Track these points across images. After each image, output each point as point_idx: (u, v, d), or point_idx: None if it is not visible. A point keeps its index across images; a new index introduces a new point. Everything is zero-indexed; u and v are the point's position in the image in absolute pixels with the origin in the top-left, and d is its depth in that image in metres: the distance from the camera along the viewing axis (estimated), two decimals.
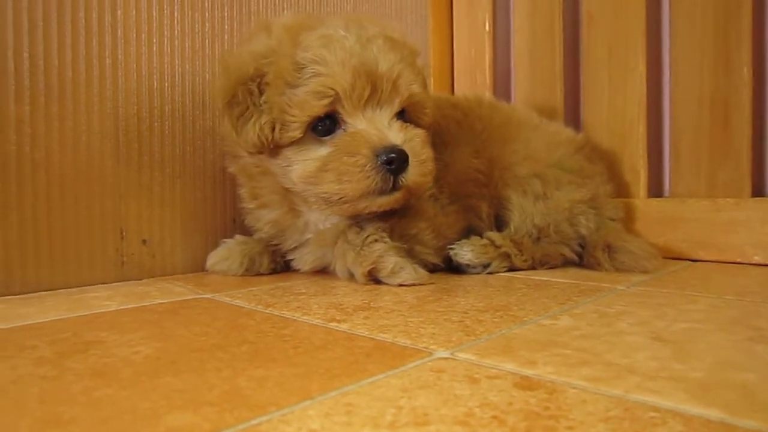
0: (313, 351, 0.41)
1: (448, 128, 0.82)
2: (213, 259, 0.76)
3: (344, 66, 0.63)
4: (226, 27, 0.84)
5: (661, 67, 0.95)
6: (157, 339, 0.45)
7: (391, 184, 0.63)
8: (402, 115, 0.69)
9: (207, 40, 0.82)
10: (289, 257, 0.76)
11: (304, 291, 0.64)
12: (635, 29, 0.90)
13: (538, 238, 0.78)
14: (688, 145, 0.87)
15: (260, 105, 0.64)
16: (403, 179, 0.64)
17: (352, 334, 0.46)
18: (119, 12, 0.73)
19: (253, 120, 0.65)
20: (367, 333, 0.46)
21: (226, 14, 0.84)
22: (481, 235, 0.77)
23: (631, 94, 0.91)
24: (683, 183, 0.88)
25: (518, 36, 1.05)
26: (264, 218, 0.76)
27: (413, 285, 0.65)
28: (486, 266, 0.74)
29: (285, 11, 0.91)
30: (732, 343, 0.41)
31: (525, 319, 0.49)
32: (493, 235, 0.76)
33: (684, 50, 0.87)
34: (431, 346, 0.42)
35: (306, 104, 0.63)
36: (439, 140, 0.80)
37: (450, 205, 0.77)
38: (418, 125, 0.70)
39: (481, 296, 0.59)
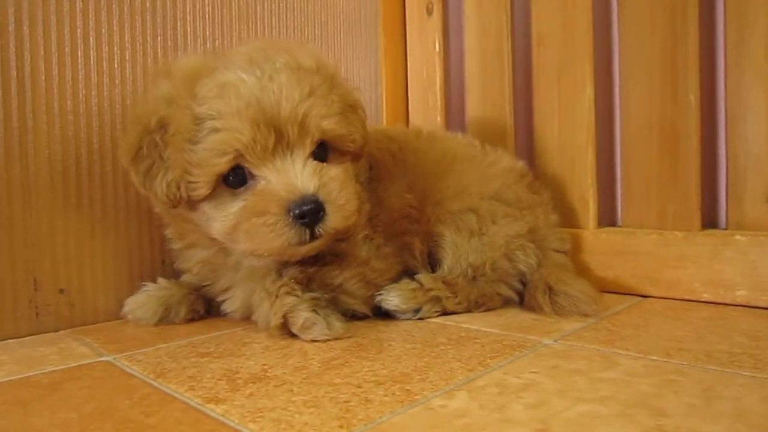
0: None
1: (384, 162, 0.78)
2: (129, 306, 0.72)
3: (242, 118, 0.58)
4: (150, 60, 0.80)
5: (613, 90, 0.91)
6: None
7: (307, 237, 0.60)
8: (323, 148, 0.64)
9: (128, 74, 0.78)
10: (221, 298, 0.73)
11: (212, 349, 0.61)
12: (583, 51, 0.86)
13: (474, 278, 0.74)
14: (638, 173, 0.83)
15: (166, 159, 0.61)
16: (320, 229, 0.60)
17: (220, 423, 0.42)
18: (26, 54, 0.69)
19: (159, 176, 0.61)
20: (236, 422, 0.42)
21: (149, 48, 0.80)
22: (415, 275, 0.73)
23: (580, 118, 0.87)
24: (634, 213, 0.84)
25: (469, 57, 1.01)
26: (193, 258, 0.72)
27: (327, 340, 0.62)
28: (417, 311, 0.71)
29: (226, 41, 0.87)
30: None
31: (418, 397, 0.45)
32: (423, 277, 0.72)
33: (632, 74, 0.83)
34: None
35: (208, 162, 0.59)
36: (375, 174, 0.77)
37: (385, 246, 0.73)
38: (344, 154, 0.66)
39: (392, 358, 0.56)
